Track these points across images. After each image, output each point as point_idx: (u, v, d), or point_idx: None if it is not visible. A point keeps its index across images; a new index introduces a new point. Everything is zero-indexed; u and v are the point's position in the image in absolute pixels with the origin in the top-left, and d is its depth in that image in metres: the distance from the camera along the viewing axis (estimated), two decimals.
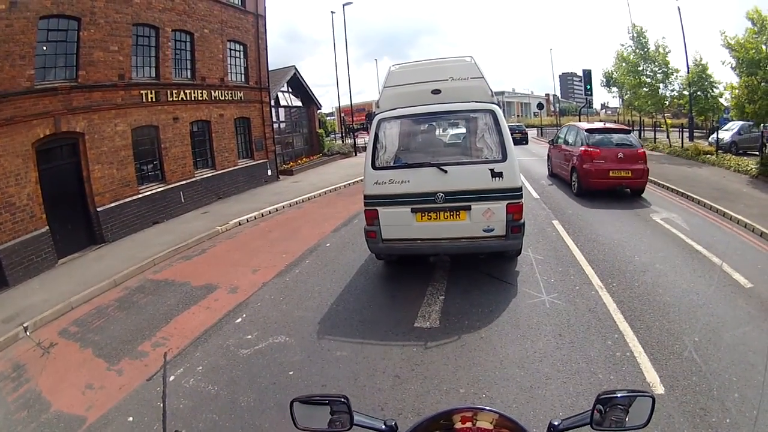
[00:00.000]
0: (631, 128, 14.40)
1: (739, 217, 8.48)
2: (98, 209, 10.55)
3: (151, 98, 12.18)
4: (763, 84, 13.51)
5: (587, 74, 23.30)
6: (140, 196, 11.77)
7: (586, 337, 4.36)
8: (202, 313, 5.88)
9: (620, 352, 4.09)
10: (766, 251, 6.89)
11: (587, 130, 11.48)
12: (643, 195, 10.63)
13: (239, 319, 5.56)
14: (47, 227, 9.08)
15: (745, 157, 16.06)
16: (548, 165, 14.59)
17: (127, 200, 11.32)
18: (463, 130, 6.63)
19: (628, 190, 10.80)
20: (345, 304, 5.60)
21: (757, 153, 16.86)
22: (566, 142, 12.61)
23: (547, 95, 76.55)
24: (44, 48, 9.62)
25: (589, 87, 23.35)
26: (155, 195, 12.23)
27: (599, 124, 13.30)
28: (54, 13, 9.67)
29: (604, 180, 10.38)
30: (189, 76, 13.89)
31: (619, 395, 1.26)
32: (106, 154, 10.83)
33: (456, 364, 4.13)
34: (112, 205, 10.89)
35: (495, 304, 5.15)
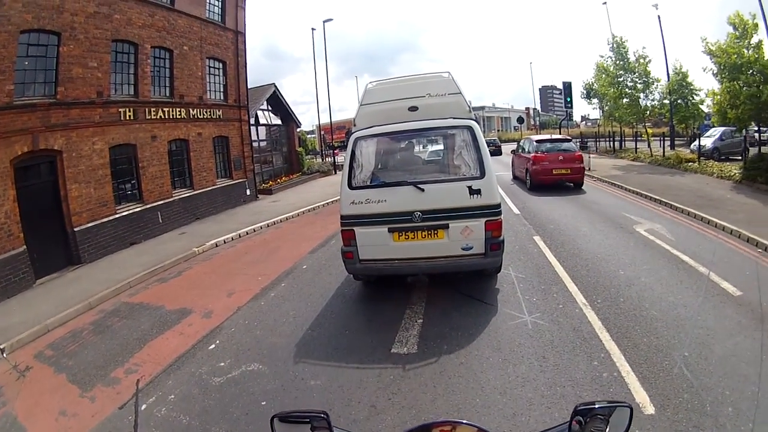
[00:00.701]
0: (571, 137, 17.89)
1: (725, 223, 8.46)
2: (75, 229, 10.37)
3: (129, 116, 11.99)
4: (745, 89, 13.59)
5: (567, 86, 23.32)
6: (117, 216, 11.55)
7: (571, 359, 4.17)
8: (175, 339, 5.70)
9: (607, 373, 3.92)
10: (753, 257, 6.85)
11: (537, 141, 15.08)
12: (626, 207, 10.85)
13: (213, 346, 5.35)
14: (24, 246, 8.94)
15: (728, 163, 16.15)
16: (512, 170, 17.41)
17: (104, 220, 11.11)
18: (441, 147, 6.54)
19: (571, 183, 13.87)
20: (320, 330, 5.38)
21: (740, 158, 17.00)
22: (523, 150, 15.70)
23: (527, 109, 77.93)
24: (26, 63, 9.50)
25: (569, 99, 23.34)
26: (132, 215, 11.99)
27: (547, 136, 17.47)
28: (35, 27, 9.56)
29: (549, 177, 13.64)
30: (167, 94, 13.71)
31: (597, 406, 1.26)
32: (83, 173, 10.65)
33: (434, 392, 3.92)
34: (90, 225, 10.69)
35: (475, 327, 4.95)
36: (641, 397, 3.55)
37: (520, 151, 16.27)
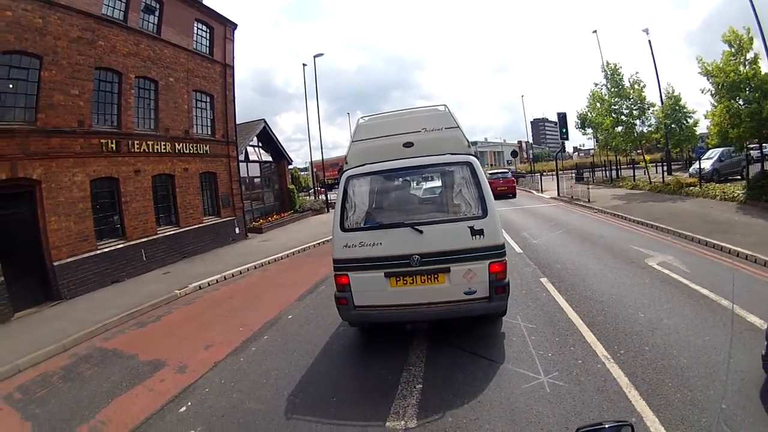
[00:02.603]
0: (509, 170, 30.82)
1: (739, 249, 8.09)
2: (55, 264, 9.90)
3: (111, 148, 11.55)
4: (745, 106, 13.36)
5: (562, 117, 22.90)
6: (99, 252, 11.01)
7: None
8: (145, 396, 5.13)
9: None
10: None
11: (490, 173, 26.54)
12: (633, 239, 10.54)
13: (183, 408, 4.70)
14: (2, 278, 8.61)
15: (729, 184, 15.86)
16: None
17: (85, 256, 10.60)
18: (439, 185, 6.20)
19: (511, 195, 25.41)
20: (304, 395, 4.67)
21: (740, 177, 16.76)
22: None
23: (520, 143, 78.48)
24: (10, 86, 9.26)
25: (564, 130, 23.00)
26: (114, 252, 11.44)
27: (495, 171, 30.24)
28: (17, 48, 9.30)
29: (496, 192, 25.88)
30: (152, 127, 13.30)
31: (607, 425, 1.42)
32: (63, 205, 10.19)
33: None
34: (69, 260, 10.21)
35: (483, 392, 4.26)
36: None
37: None
